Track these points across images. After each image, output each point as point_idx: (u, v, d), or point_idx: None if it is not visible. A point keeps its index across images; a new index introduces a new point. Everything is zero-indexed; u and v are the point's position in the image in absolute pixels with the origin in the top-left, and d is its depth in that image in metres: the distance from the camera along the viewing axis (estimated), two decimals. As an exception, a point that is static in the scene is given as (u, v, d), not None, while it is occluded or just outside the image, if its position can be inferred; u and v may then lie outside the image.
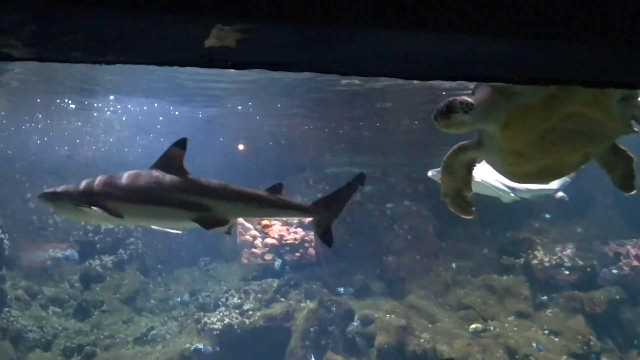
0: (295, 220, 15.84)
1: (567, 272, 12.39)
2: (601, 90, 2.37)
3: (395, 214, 15.73)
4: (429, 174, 8.96)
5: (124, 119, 15.73)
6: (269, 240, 15.66)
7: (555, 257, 12.75)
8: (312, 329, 11.95)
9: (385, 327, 11.63)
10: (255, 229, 15.93)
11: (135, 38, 1.29)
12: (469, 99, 2.48)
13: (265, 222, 16.18)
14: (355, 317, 12.47)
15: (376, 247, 15.46)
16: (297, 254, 15.39)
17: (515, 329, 12.07)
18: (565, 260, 12.55)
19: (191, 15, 1.16)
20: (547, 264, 13.03)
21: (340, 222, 15.86)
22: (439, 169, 7.75)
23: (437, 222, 15.48)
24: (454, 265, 14.34)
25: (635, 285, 12.40)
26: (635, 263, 12.92)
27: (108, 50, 1.36)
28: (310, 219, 5.24)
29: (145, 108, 14.51)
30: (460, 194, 3.22)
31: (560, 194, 10.76)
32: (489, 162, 3.04)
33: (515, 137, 2.56)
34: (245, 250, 15.53)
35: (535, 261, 13.08)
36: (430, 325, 12.32)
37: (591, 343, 11.03)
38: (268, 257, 15.56)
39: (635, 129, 2.79)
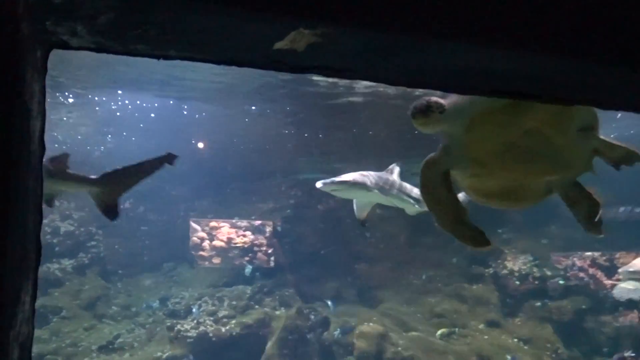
0: (245, 222, 15.92)
1: (536, 282, 13.10)
2: (562, 111, 2.43)
3: (367, 221, 16.03)
4: (318, 185, 8.25)
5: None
6: (217, 243, 15.63)
7: (524, 267, 13.46)
8: (290, 337, 12.02)
9: (364, 335, 11.88)
10: (203, 230, 15.90)
11: (207, 35, 1.30)
12: (442, 101, 2.52)
13: (213, 223, 16.15)
14: (332, 325, 12.65)
15: (348, 255, 15.73)
16: (247, 258, 15.43)
17: (486, 337, 12.63)
18: (535, 270, 13.27)
19: (279, 15, 1.17)
20: (516, 274, 13.71)
21: (313, 229, 16.07)
22: (328, 180, 8.05)
23: (408, 230, 15.94)
24: (423, 276, 14.82)
25: (594, 295, 13.26)
26: (581, 274, 13.80)
27: (173, 45, 1.36)
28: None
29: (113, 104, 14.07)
30: (460, 220, 2.85)
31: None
32: (456, 175, 2.91)
33: (478, 143, 2.57)
34: (194, 253, 15.50)
35: (504, 271, 13.75)
36: (405, 334, 12.68)
37: (559, 351, 11.73)
38: (216, 260, 15.52)
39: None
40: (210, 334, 12.23)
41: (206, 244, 15.78)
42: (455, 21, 1.25)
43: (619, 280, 12.87)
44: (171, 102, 13.54)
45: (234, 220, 16.32)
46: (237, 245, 15.73)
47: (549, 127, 2.48)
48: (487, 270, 14.30)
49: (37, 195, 1.23)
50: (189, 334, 12.12)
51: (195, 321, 12.43)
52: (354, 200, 8.78)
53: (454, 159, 2.72)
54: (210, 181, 17.60)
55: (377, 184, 8.20)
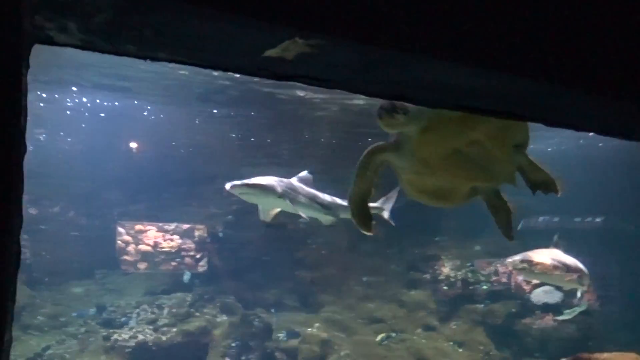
0: (172, 226, 15.70)
1: (470, 287, 13.84)
2: (504, 127, 2.72)
3: (309, 228, 16.26)
4: (227, 186, 8.26)
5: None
6: (142, 247, 15.29)
7: (460, 273, 14.19)
8: (233, 345, 11.99)
9: (309, 341, 12.06)
10: (128, 233, 15.53)
11: (201, 39, 1.31)
12: (406, 104, 2.69)
13: (139, 226, 15.79)
14: (275, 332, 12.74)
15: (291, 261, 15.86)
16: (173, 263, 15.20)
17: (423, 340, 13.19)
18: (469, 275, 14.02)
19: (279, 23, 1.19)
20: (451, 279, 14.40)
21: (255, 235, 16.08)
22: (238, 182, 8.12)
23: (350, 237, 16.30)
24: (365, 278, 15.24)
25: (520, 299, 14.15)
26: (503, 280, 14.71)
27: (164, 48, 1.36)
28: None
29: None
30: (364, 204, 3.26)
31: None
32: (396, 168, 3.15)
33: (429, 144, 2.77)
34: (119, 257, 15.07)
35: (441, 277, 14.42)
36: (347, 339, 12.99)
37: (491, 353, 12.48)
38: (141, 265, 15.18)
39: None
40: (150, 343, 11.96)
41: (131, 248, 15.32)
42: (436, 39, 1.31)
43: (532, 283, 13.90)
44: (135, 102, 13.15)
45: (161, 224, 15.94)
46: (164, 249, 15.36)
47: (491, 140, 2.76)
48: (424, 275, 14.93)
49: (20, 196, 1.18)
50: (127, 344, 11.79)
51: (133, 330, 12.10)
52: (260, 209, 8.60)
53: (402, 154, 2.94)
54: (147, 185, 17.15)
55: (288, 192, 8.10)
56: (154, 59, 1.38)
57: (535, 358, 12.40)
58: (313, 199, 8.48)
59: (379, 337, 13.02)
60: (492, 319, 13.31)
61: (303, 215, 8.55)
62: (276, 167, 17.94)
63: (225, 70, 1.47)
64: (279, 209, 8.36)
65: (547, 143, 15.22)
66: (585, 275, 9.20)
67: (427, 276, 14.84)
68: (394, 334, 13.23)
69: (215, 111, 13.61)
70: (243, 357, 12.11)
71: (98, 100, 13.02)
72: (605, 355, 10.60)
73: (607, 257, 15.16)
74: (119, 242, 15.25)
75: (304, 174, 8.86)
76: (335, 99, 12.49)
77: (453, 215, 16.06)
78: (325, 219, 9.00)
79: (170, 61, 1.39)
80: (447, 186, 3.11)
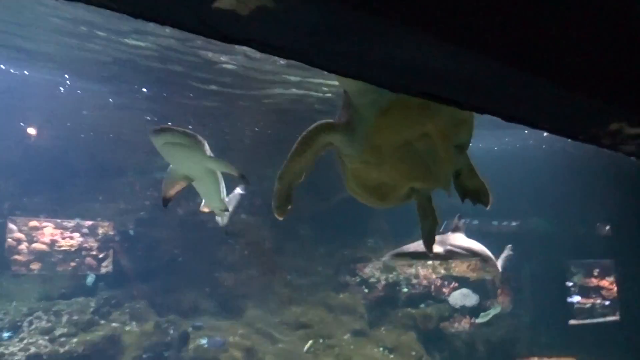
0: (72, 223, 14.16)
1: (404, 290, 13.49)
2: (454, 125, 2.61)
3: (231, 227, 15.20)
4: (151, 134, 6.22)
5: None
6: (36, 246, 13.66)
7: (391, 275, 13.79)
8: (144, 356, 10.72)
9: (231, 349, 11.07)
10: (21, 230, 13.83)
11: None
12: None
13: (34, 222, 14.14)
14: (192, 340, 11.61)
15: (209, 263, 14.72)
16: (73, 263, 13.69)
17: (352, 346, 12.63)
18: (401, 279, 13.66)
19: None
20: (383, 282, 13.99)
21: (170, 234, 14.76)
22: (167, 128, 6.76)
23: (274, 237, 15.46)
24: (288, 277, 14.46)
25: (443, 301, 14.11)
26: (424, 282, 14.69)
27: None
28: None
29: None
30: (292, 186, 3.04)
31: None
32: (341, 153, 2.91)
33: (385, 130, 2.57)
34: (9, 257, 13.37)
35: (372, 279, 13.96)
36: (271, 346, 12.13)
37: (423, 358, 12.15)
38: (35, 266, 13.55)
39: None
40: (45, 357, 10.38)
41: (23, 246, 13.56)
42: (415, 6, 1.19)
43: (450, 286, 13.94)
44: (45, 75, 11.28)
45: (59, 220, 14.25)
46: (62, 248, 13.72)
47: (440, 136, 2.59)
48: (353, 278, 14.41)
49: None
50: (15, 358, 10.14)
51: (24, 342, 10.45)
52: (167, 175, 6.98)
53: (352, 138, 2.68)
54: (46, 175, 15.22)
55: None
56: (99, 4, 1.15)
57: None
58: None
59: (306, 346, 12.26)
60: (422, 322, 13.04)
61: (212, 192, 7.54)
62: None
63: (163, 23, 1.23)
64: (181, 184, 6.94)
65: (494, 142, 15.31)
66: (492, 262, 8.92)
67: (357, 279, 14.32)
68: (321, 340, 12.55)
69: (125, 92, 12.12)
70: (156, 370, 10.88)
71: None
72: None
73: (520, 259, 15.70)
74: (10, 239, 13.46)
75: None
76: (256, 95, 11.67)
77: (383, 216, 15.75)
78: (219, 205, 7.87)
79: (96, 4, 1.15)
80: (388, 183, 2.92)
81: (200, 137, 6.22)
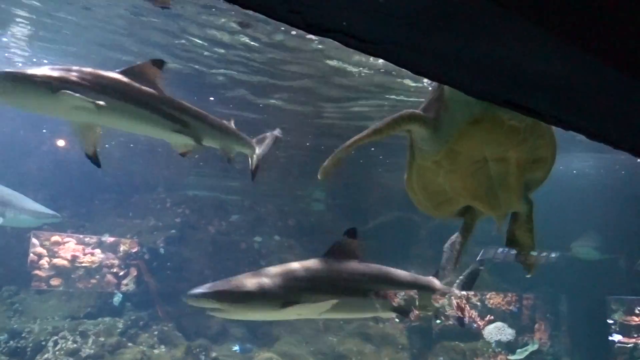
0: (94, 239, 13.72)
1: (450, 322, 12.74)
2: (535, 160, 2.64)
3: (264, 248, 14.70)
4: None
5: None
6: (58, 261, 13.32)
7: (437, 304, 13.05)
8: (175, 382, 10.13)
9: (265, 379, 10.42)
10: (43, 245, 13.49)
11: None
12: None
13: (56, 237, 13.79)
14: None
15: (240, 285, 14.15)
16: (93, 280, 13.25)
17: (393, 381, 11.89)
18: (447, 307, 12.92)
19: None
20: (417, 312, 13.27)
21: (201, 253, 14.28)
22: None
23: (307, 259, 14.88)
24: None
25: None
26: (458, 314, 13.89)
27: None
28: None
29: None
30: (350, 152, 2.96)
31: None
32: (415, 146, 2.84)
33: (470, 139, 2.54)
34: (30, 272, 13.09)
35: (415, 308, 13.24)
36: (308, 377, 11.45)
37: (473, 396, 11.36)
38: (55, 281, 13.16)
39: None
40: (70, 379, 9.87)
41: (44, 261, 13.25)
42: (550, 8, 1.09)
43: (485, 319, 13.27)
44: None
45: (81, 236, 13.91)
46: (83, 264, 13.36)
47: (518, 165, 2.60)
48: (393, 306, 13.71)
49: None
50: (41, 380, 9.64)
51: (49, 363, 9.97)
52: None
53: (435, 135, 2.64)
54: (74, 188, 14.93)
55: None
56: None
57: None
58: None
59: None
60: (470, 357, 12.26)
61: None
62: (231, 180, 16.32)
63: (246, 6, 1.16)
64: (95, 134, 5.60)
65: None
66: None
67: (397, 306, 13.60)
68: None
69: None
70: (187, 399, 10.27)
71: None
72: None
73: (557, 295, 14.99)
74: (32, 254, 13.13)
75: None
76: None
77: (428, 242, 15.11)
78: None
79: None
80: (449, 194, 2.89)
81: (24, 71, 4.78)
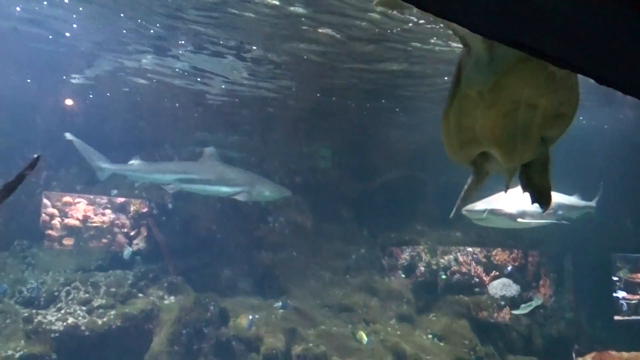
0: (105, 199, 14.15)
1: (455, 277, 12.99)
2: (557, 116, 2.73)
3: (270, 205, 14.91)
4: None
5: None
6: (70, 222, 13.73)
7: (443, 260, 13.30)
8: (184, 331, 10.52)
9: (272, 330, 10.79)
10: (54, 206, 13.89)
11: None
12: None
13: (67, 198, 14.16)
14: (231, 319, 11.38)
15: (247, 241, 14.47)
16: (105, 240, 13.66)
17: (398, 332, 12.22)
18: (453, 263, 13.15)
19: None
20: (434, 267, 13.50)
21: (209, 209, 14.54)
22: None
23: (314, 218, 15.10)
24: (353, 256, 14.15)
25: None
26: (464, 269, 14.09)
27: None
28: None
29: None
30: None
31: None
32: (464, 75, 2.90)
33: (517, 74, 2.61)
34: (43, 232, 13.70)
35: (421, 264, 13.49)
36: (313, 329, 11.81)
37: (477, 348, 11.66)
38: (67, 241, 13.61)
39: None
40: (83, 327, 10.30)
41: (56, 222, 13.66)
42: None
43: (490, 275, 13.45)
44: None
45: (92, 196, 14.28)
46: (95, 225, 13.78)
47: (544, 114, 2.68)
48: (399, 262, 13.97)
49: None
50: (54, 327, 10.07)
51: (62, 311, 10.37)
52: None
53: (488, 63, 2.69)
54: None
55: None
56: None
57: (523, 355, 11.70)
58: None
59: (363, 338, 11.65)
60: (478, 311, 12.54)
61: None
62: (238, 136, 16.41)
63: None
64: None
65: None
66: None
67: (403, 262, 13.87)
68: (366, 335, 12.01)
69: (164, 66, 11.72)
70: (195, 347, 10.67)
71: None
72: (626, 355, 10.08)
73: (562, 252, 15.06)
74: (44, 214, 13.55)
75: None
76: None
77: (435, 200, 15.23)
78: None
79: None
80: (477, 133, 2.95)
81: None
